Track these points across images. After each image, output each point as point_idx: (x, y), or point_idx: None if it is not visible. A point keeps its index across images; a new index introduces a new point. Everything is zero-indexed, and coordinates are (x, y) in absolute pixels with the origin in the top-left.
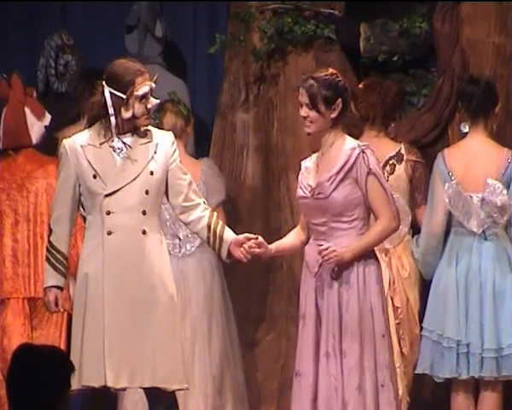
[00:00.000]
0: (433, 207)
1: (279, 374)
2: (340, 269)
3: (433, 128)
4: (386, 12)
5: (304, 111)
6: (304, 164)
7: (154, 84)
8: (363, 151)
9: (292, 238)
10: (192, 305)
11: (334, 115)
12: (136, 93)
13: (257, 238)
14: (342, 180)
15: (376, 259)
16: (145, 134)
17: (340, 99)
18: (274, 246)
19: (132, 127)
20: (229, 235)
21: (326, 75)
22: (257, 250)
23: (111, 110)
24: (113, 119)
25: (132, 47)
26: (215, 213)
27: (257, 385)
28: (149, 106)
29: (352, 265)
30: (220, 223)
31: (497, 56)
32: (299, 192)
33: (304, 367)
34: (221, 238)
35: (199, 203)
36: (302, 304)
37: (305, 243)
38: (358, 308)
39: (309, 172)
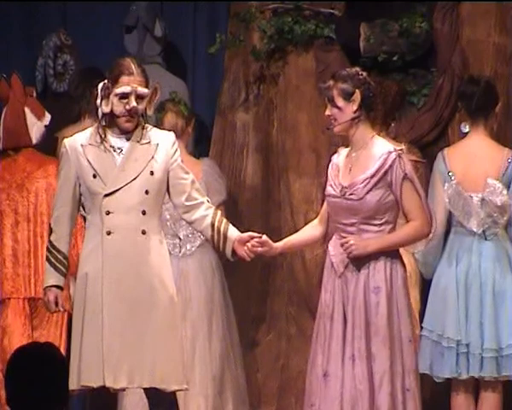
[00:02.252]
0: (433, 207)
1: (279, 374)
2: (362, 262)
3: (433, 128)
4: (386, 12)
5: (327, 110)
6: (334, 160)
7: (142, 90)
8: (399, 156)
9: (307, 233)
10: (192, 305)
11: (354, 108)
12: (115, 89)
13: (260, 237)
14: (376, 184)
15: (402, 262)
16: (146, 134)
17: (357, 91)
18: (282, 243)
19: (118, 128)
20: (233, 233)
21: (345, 71)
22: (259, 249)
23: (98, 100)
24: (100, 110)
25: (132, 47)
26: (219, 212)
27: (257, 385)
28: (128, 107)
29: (380, 267)
30: (224, 221)
31: (497, 56)
32: (329, 190)
33: (333, 368)
34: (225, 237)
35: (202, 202)
36: (329, 303)
37: (324, 235)
38: (387, 311)
39: (339, 170)
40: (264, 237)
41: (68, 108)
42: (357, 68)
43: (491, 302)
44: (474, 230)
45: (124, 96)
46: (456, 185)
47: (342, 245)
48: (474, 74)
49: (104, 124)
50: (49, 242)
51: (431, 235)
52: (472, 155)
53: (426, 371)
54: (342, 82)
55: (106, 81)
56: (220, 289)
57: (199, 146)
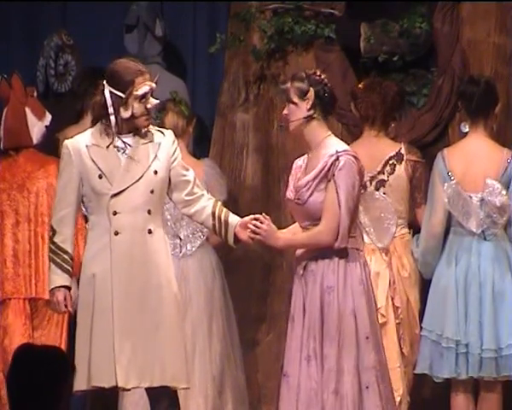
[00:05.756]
0: (433, 207)
1: (279, 374)
2: (319, 263)
3: (433, 128)
4: (387, 12)
5: (285, 109)
6: (295, 164)
7: (154, 85)
8: (337, 158)
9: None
10: (192, 305)
11: (308, 106)
12: (135, 93)
13: (261, 214)
14: (318, 185)
15: (359, 259)
16: (146, 134)
17: (311, 89)
18: (285, 237)
19: (133, 127)
20: (234, 219)
21: (303, 71)
22: (264, 227)
23: (110, 109)
24: (112, 118)
25: (132, 46)
26: (219, 202)
27: (257, 385)
28: (149, 106)
29: (334, 267)
30: (224, 209)
31: (497, 56)
32: (287, 194)
33: (292, 369)
34: (226, 223)
35: (202, 194)
36: (292, 306)
37: None
38: (338, 311)
39: (297, 173)
40: (264, 215)
41: (70, 108)
42: (317, 70)
43: (491, 302)
44: (474, 230)
45: (143, 96)
46: (456, 185)
47: (257, 221)
48: (474, 74)
49: (118, 130)
50: (54, 243)
51: (337, 244)
52: (471, 155)
53: (425, 371)
54: (298, 81)
55: (113, 89)
56: (220, 290)
57: (199, 146)
